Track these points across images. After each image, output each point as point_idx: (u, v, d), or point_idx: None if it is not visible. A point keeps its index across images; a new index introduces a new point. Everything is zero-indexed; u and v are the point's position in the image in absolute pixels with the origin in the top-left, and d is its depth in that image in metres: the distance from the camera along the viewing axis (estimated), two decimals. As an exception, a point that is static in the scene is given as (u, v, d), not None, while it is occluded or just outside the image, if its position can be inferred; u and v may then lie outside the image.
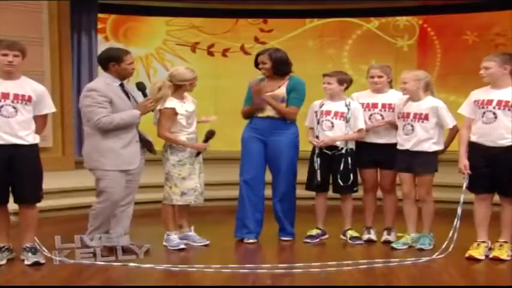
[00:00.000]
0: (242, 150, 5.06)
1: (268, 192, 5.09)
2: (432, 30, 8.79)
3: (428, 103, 4.69)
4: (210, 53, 9.22)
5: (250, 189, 4.98)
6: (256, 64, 5.01)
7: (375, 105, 4.96)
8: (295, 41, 8.76)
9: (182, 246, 4.77)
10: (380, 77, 4.94)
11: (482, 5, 8.26)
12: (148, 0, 8.92)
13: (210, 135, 4.81)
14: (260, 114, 4.97)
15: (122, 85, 4.53)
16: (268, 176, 5.06)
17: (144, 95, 4.58)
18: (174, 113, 4.73)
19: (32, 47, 5.05)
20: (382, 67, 5.02)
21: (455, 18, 8.65)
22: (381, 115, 4.93)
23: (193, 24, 9.17)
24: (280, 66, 4.95)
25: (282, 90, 4.94)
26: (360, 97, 5.06)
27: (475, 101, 4.46)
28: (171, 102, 4.73)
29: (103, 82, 4.49)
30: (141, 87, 4.60)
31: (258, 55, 5.01)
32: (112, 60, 4.46)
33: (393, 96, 4.92)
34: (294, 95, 4.93)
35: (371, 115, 4.95)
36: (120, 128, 4.39)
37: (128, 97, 4.53)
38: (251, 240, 4.96)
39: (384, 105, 4.93)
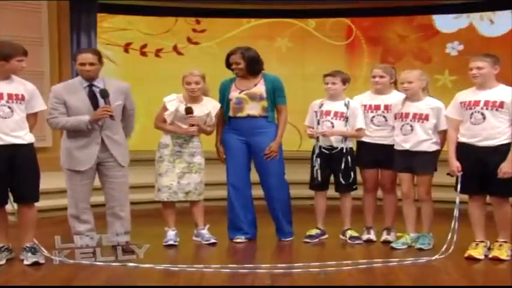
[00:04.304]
0: (225, 152, 5.01)
1: (256, 192, 5.07)
2: (360, 31, 8.94)
3: (428, 103, 4.68)
4: (143, 54, 8.97)
5: (237, 191, 4.96)
6: (228, 64, 4.97)
7: (377, 107, 4.92)
8: (233, 42, 8.10)
9: (170, 242, 4.81)
10: (382, 77, 4.92)
11: (404, 9, 8.59)
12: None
13: (187, 111, 4.77)
14: (239, 114, 4.92)
15: (90, 86, 4.47)
16: (254, 175, 5.04)
17: (106, 102, 4.42)
18: (165, 106, 4.85)
19: (32, 47, 5.03)
20: (385, 67, 5.00)
21: (381, 20, 8.84)
22: (384, 117, 4.90)
23: (127, 21, 8.78)
24: (253, 65, 4.92)
25: (259, 89, 4.90)
26: (363, 99, 5.01)
27: (461, 103, 4.45)
28: (169, 97, 4.87)
29: (68, 82, 4.63)
30: (103, 94, 4.44)
31: (229, 55, 4.96)
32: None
33: (396, 98, 4.86)
34: (279, 94, 4.94)
35: (373, 117, 4.93)
36: (69, 131, 4.49)
37: (96, 100, 4.44)
38: (239, 240, 4.95)
39: (386, 107, 4.89)
